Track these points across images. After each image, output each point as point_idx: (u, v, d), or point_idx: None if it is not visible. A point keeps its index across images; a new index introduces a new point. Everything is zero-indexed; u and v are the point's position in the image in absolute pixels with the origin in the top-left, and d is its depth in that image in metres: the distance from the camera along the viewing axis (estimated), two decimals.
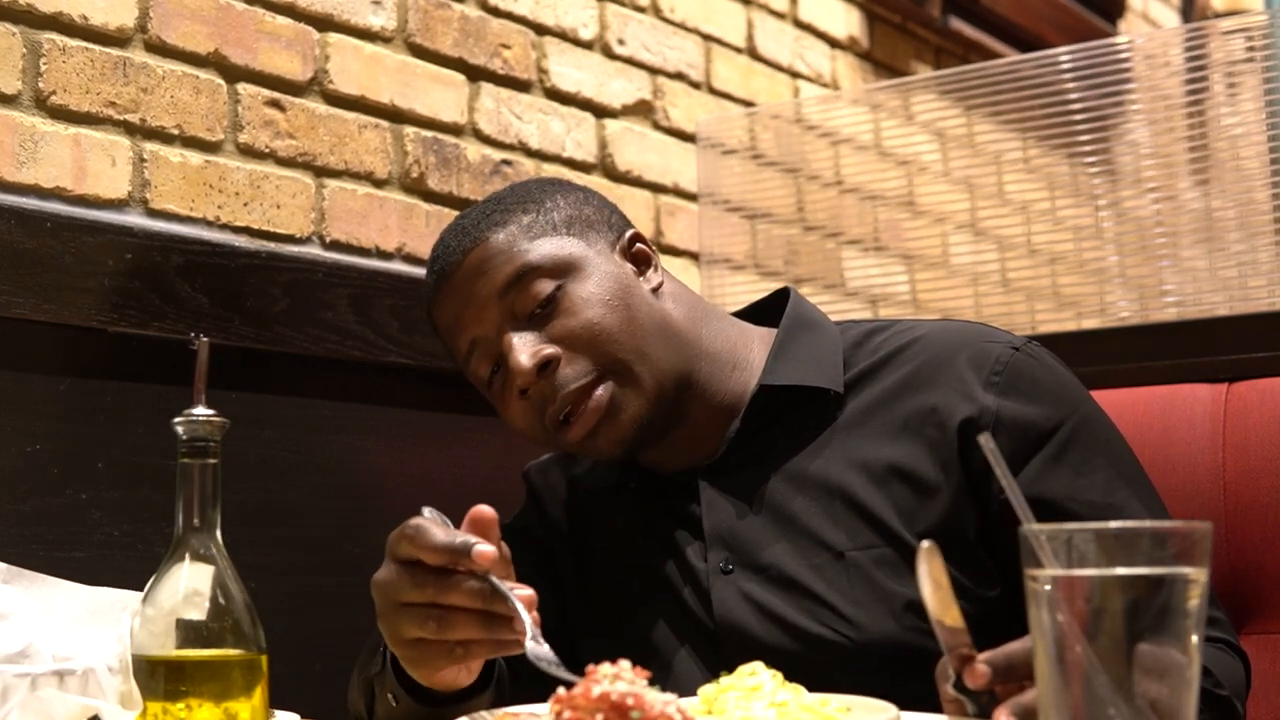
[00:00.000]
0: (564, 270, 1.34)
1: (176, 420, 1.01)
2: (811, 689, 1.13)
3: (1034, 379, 1.30)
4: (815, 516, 1.31)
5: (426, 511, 1.06)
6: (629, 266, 1.38)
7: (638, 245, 1.41)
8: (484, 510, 1.05)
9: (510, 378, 1.32)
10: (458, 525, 1.08)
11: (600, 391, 1.31)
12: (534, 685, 1.34)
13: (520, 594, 1.03)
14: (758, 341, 1.41)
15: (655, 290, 1.38)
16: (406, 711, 1.16)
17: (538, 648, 1.00)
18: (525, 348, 1.31)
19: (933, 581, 0.91)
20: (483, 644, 1.04)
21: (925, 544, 0.90)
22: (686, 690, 1.02)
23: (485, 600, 1.02)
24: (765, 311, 1.47)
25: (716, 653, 1.31)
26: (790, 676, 1.15)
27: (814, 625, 1.27)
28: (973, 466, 1.26)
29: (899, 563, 1.26)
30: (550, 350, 1.31)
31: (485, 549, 1.01)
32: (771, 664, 1.21)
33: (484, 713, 1.04)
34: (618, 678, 0.82)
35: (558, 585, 1.46)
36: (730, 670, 1.22)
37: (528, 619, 1.02)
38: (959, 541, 1.25)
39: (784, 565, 1.30)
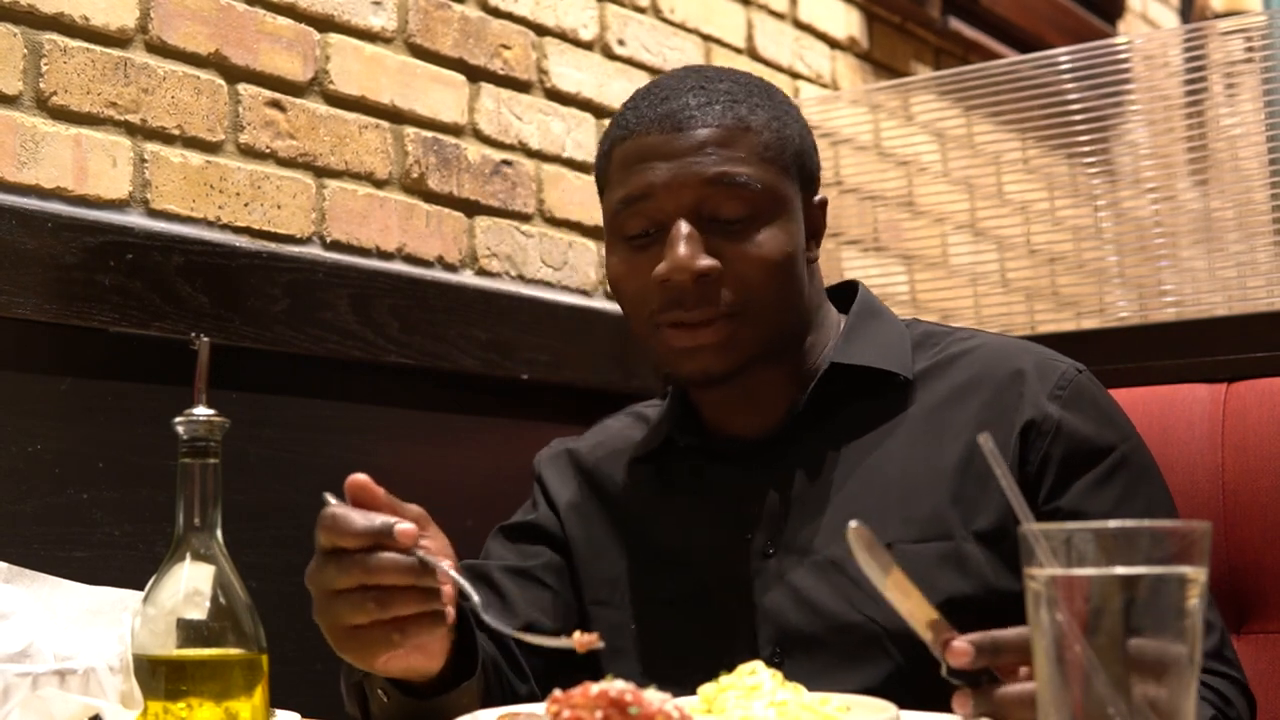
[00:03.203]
0: (769, 209, 1.32)
1: (176, 420, 1.01)
2: (842, 677, 1.13)
3: (1094, 400, 1.32)
4: (868, 503, 1.30)
5: (330, 499, 1.06)
6: (804, 231, 1.37)
7: (820, 216, 1.41)
8: (358, 477, 1.04)
9: (668, 263, 1.29)
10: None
11: (720, 326, 1.30)
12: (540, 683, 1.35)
13: (446, 564, 1.04)
14: (836, 324, 1.42)
15: (811, 262, 1.38)
16: (398, 706, 1.16)
17: (478, 602, 1.03)
18: (697, 247, 1.29)
19: (899, 593, 0.93)
20: (418, 621, 1.03)
21: (892, 574, 0.93)
22: (706, 669, 1.01)
23: (415, 575, 1.02)
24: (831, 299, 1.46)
25: (747, 635, 1.30)
26: (822, 662, 1.15)
27: (850, 612, 1.27)
28: (1028, 469, 1.28)
29: (947, 558, 1.26)
30: (714, 264, 1.29)
31: (406, 527, 1.01)
32: (803, 648, 1.21)
33: (484, 712, 1.03)
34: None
35: (573, 572, 1.43)
36: (761, 653, 1.21)
37: (464, 581, 1.03)
38: (1012, 540, 1.26)
39: (828, 550, 1.29)
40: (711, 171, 1.30)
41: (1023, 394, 1.30)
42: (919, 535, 1.28)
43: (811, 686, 1.01)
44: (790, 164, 1.34)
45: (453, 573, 1.04)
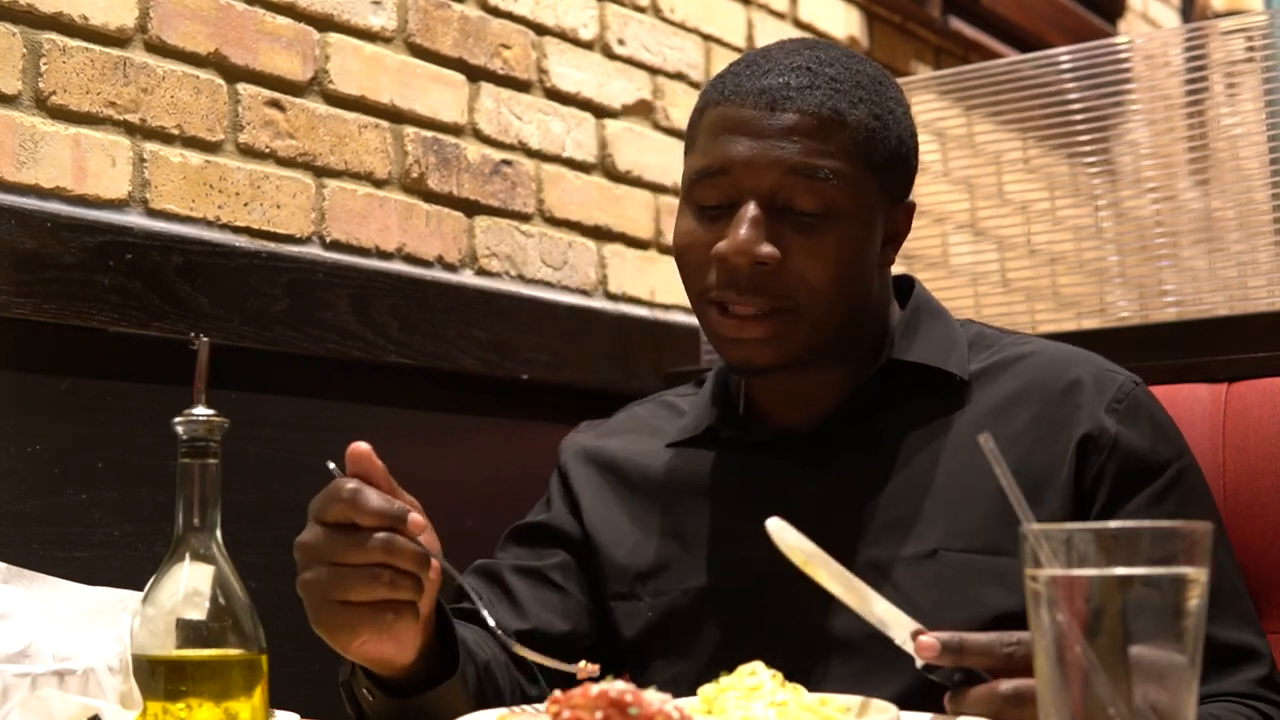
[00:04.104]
0: (845, 208, 1.28)
1: (176, 420, 1.01)
2: (875, 683, 1.13)
3: (1151, 415, 1.31)
4: (913, 507, 1.28)
5: (333, 466, 1.06)
6: (881, 235, 1.33)
7: (904, 220, 1.37)
8: (360, 446, 1.05)
9: (728, 243, 1.27)
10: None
11: (768, 323, 1.27)
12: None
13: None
14: (895, 319, 1.39)
15: (882, 265, 1.35)
16: (384, 706, 1.16)
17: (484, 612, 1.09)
18: (761, 233, 1.26)
19: (840, 586, 0.98)
20: (408, 608, 1.05)
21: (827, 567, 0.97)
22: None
23: (421, 565, 1.03)
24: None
25: (778, 634, 1.26)
26: (856, 667, 1.14)
27: None
28: (1083, 484, 1.26)
29: (994, 573, 1.23)
30: (774, 253, 1.26)
31: (418, 518, 1.03)
32: (836, 652, 1.21)
33: (484, 712, 1.04)
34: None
35: (592, 569, 1.40)
36: (791, 653, 1.21)
37: (464, 580, 1.10)
38: None
39: (871, 553, 1.27)
40: (794, 160, 1.26)
41: (1080, 406, 1.28)
42: (965, 546, 1.25)
43: (844, 692, 1.01)
44: (880, 165, 1.30)
45: (452, 569, 1.07)
